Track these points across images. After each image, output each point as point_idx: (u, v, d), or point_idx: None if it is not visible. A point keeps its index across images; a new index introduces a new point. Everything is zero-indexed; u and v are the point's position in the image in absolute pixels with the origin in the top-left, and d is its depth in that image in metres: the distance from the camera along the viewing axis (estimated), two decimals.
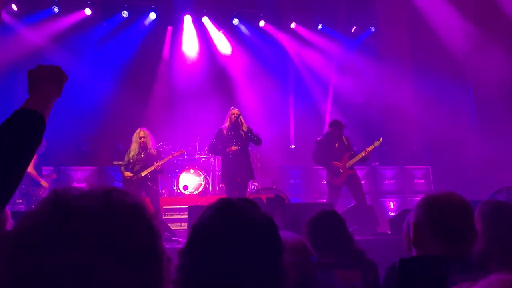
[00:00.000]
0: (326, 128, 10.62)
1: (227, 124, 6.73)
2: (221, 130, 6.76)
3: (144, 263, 0.74)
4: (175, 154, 7.39)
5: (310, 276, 1.69)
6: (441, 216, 1.59)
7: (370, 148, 6.95)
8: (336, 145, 7.03)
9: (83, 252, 0.68)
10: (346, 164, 6.91)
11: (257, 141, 6.73)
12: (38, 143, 1.36)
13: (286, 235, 1.70)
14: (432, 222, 1.60)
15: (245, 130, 6.68)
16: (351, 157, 6.96)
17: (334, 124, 7.09)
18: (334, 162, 6.88)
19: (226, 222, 1.06)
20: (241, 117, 6.70)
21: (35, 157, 7.38)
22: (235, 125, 6.63)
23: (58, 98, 1.52)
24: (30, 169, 7.29)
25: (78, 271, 0.67)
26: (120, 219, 0.74)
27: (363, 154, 6.92)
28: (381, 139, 7.08)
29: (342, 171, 6.88)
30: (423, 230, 1.61)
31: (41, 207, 0.74)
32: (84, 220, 0.71)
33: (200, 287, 1.03)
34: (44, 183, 7.48)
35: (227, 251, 1.02)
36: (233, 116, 6.67)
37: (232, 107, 6.92)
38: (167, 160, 7.34)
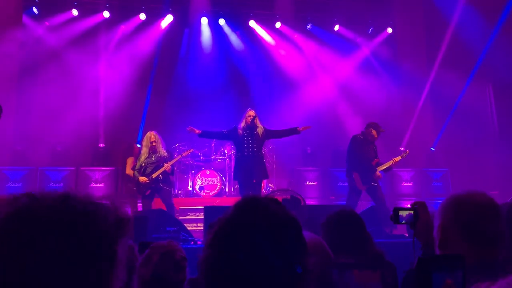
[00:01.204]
0: (343, 130, 10.61)
1: (242, 124, 6.83)
2: (235, 128, 6.88)
3: (88, 265, 0.79)
4: (184, 154, 7.44)
5: (327, 277, 1.69)
6: (471, 218, 1.52)
7: (397, 159, 6.88)
8: (371, 148, 6.88)
9: (27, 253, 0.76)
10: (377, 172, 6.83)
11: (280, 133, 6.96)
12: None
13: (304, 234, 1.69)
14: (462, 224, 1.52)
15: (261, 132, 6.75)
16: (377, 165, 6.87)
17: (374, 126, 6.86)
18: (377, 173, 6.75)
19: (251, 219, 1.07)
20: (257, 118, 6.78)
21: (132, 160, 7.49)
22: (251, 126, 6.72)
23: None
24: (129, 171, 7.34)
25: (22, 269, 0.75)
26: (66, 224, 0.80)
27: (391, 162, 6.82)
28: (407, 151, 7.03)
29: (377, 179, 6.77)
30: (451, 232, 1.55)
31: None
32: (32, 222, 0.79)
33: (223, 281, 1.04)
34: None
35: (251, 248, 1.03)
36: (249, 117, 6.78)
37: (249, 109, 6.99)
38: (178, 160, 7.48)
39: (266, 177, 7.02)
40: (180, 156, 7.42)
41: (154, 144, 6.97)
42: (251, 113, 6.85)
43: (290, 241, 1.06)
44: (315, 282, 1.60)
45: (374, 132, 6.81)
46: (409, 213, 1.99)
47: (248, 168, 6.65)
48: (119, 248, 0.87)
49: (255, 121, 6.77)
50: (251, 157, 6.70)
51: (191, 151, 7.60)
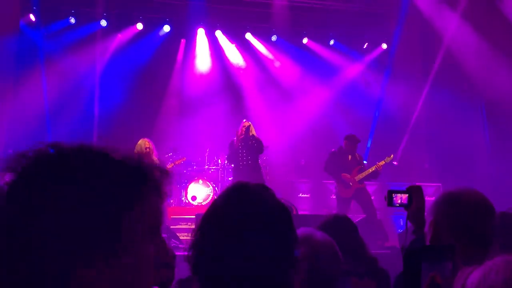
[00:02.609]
0: (337, 143, 10.64)
1: (238, 136, 6.92)
2: (232, 141, 6.96)
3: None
4: (176, 163, 7.43)
5: (334, 280, 1.67)
6: (464, 215, 1.51)
7: (381, 163, 6.97)
8: (349, 157, 7.09)
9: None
10: (356, 178, 6.92)
11: (257, 149, 6.92)
12: None
13: (317, 234, 1.68)
14: (454, 221, 1.51)
15: (250, 140, 6.79)
16: (360, 171, 6.98)
17: (349, 138, 7.23)
18: (342, 174, 6.89)
19: (238, 204, 1.07)
20: (251, 129, 6.83)
21: None
22: (245, 137, 6.75)
23: None
24: None
25: None
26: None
27: (373, 168, 6.95)
28: (392, 155, 7.15)
29: (351, 184, 6.88)
30: (443, 228, 1.53)
31: None
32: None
33: (209, 265, 1.04)
34: None
35: (238, 232, 1.03)
36: (243, 128, 6.84)
37: (244, 120, 7.03)
38: (170, 169, 7.41)
39: None
40: (172, 165, 7.39)
41: (147, 150, 6.93)
42: (246, 124, 6.92)
43: (279, 227, 1.06)
44: (323, 284, 1.59)
45: (347, 143, 7.21)
46: (403, 196, 1.98)
47: (245, 179, 6.65)
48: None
49: (249, 131, 6.80)
50: (247, 169, 6.76)
51: (183, 159, 7.57)
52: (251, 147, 6.82)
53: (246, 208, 1.06)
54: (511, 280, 0.82)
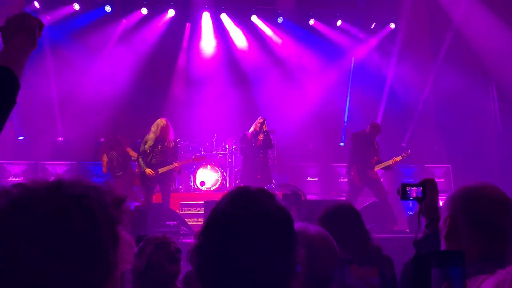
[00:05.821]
0: (344, 126, 10.58)
1: (252, 130, 7.35)
2: (245, 135, 7.37)
3: (90, 250, 0.78)
4: (196, 160, 7.49)
5: (331, 273, 1.67)
6: (483, 211, 1.47)
7: (398, 158, 7.19)
8: (371, 146, 7.18)
9: (24, 247, 0.72)
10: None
11: (269, 144, 7.41)
12: (11, 104, 1.21)
13: (311, 228, 1.69)
14: (472, 217, 1.48)
15: (262, 137, 7.01)
16: (377, 163, 7.05)
17: (375, 127, 7.30)
18: (369, 171, 6.99)
19: (240, 210, 1.07)
20: (265, 125, 7.28)
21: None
22: (259, 132, 7.21)
23: (33, 49, 1.34)
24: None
25: None
26: (60, 212, 0.78)
27: (390, 162, 7.09)
28: (409, 151, 7.37)
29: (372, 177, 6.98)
30: (460, 224, 1.49)
31: None
32: (25, 214, 0.76)
33: (213, 268, 1.05)
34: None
35: (240, 238, 1.04)
36: (258, 124, 7.28)
37: (260, 117, 7.46)
38: (180, 154, 7.55)
39: (270, 182, 7.42)
40: (191, 160, 7.51)
41: (164, 131, 6.69)
42: (260, 120, 7.32)
43: (278, 232, 1.06)
44: (319, 278, 1.60)
45: (371, 131, 7.24)
46: (417, 189, 1.97)
47: (254, 170, 7.12)
48: (121, 228, 0.84)
49: (263, 127, 7.22)
50: (258, 162, 7.11)
51: (204, 158, 7.73)
52: (264, 142, 7.17)
53: (248, 213, 1.06)
54: None
